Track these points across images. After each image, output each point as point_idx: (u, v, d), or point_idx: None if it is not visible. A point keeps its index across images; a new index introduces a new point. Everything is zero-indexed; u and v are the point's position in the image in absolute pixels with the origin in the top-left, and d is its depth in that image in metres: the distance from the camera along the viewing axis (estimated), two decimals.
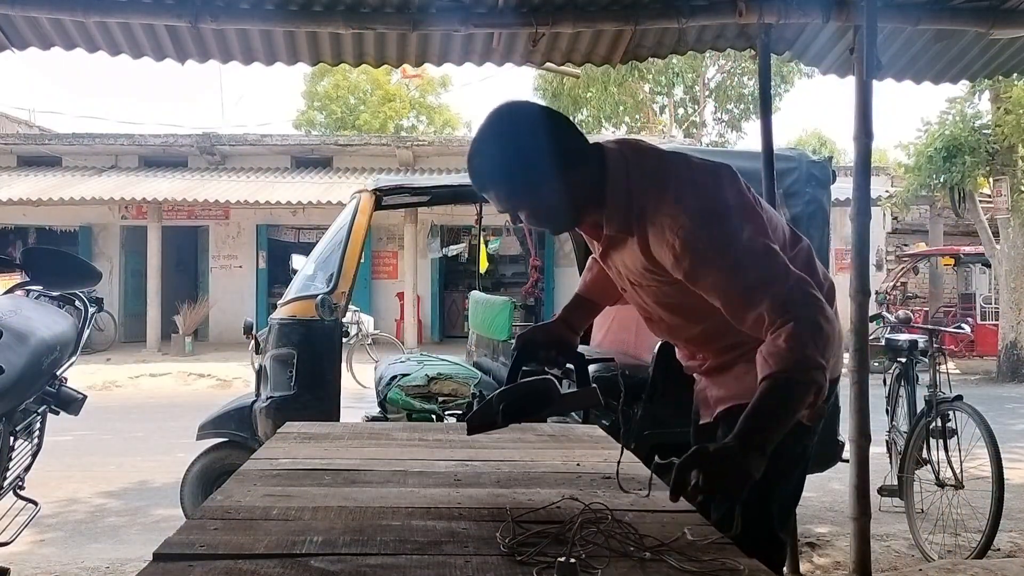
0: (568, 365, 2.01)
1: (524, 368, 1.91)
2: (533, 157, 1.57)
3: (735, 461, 1.35)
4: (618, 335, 4.48)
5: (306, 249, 8.42)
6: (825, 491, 5.07)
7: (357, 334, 9.88)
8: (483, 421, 1.71)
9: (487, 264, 9.86)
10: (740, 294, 1.51)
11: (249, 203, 13.77)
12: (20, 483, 3.04)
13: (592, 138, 1.70)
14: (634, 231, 1.62)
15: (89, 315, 3.38)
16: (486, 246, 11.73)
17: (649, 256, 1.62)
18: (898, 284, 15.74)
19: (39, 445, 3.16)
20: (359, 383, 8.86)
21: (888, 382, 4.59)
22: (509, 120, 1.63)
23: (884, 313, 6.56)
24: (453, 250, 15.71)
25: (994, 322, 12.92)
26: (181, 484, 4.22)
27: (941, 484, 3.98)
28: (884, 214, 15.09)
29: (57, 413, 3.10)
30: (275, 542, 1.29)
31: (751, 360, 1.53)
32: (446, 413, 3.79)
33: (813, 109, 54.50)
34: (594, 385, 1.84)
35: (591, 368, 2.31)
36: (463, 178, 7.32)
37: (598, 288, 1.97)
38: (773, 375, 1.43)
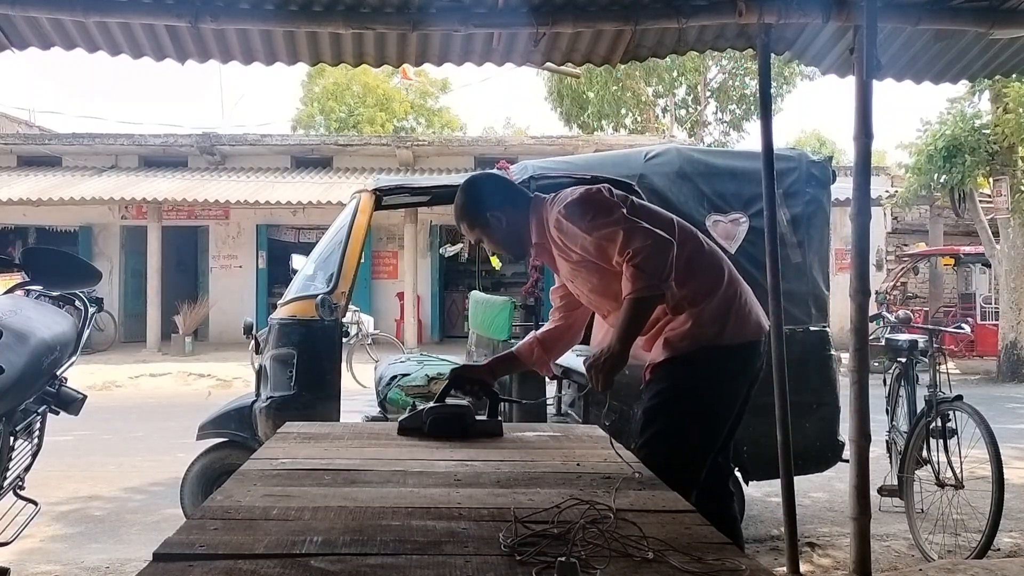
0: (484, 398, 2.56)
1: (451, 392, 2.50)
2: (476, 201, 2.48)
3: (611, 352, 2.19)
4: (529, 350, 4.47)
5: (306, 249, 8.41)
6: (825, 491, 5.08)
7: (357, 334, 9.86)
8: (412, 425, 2.26)
9: (499, 264, 9.81)
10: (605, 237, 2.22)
11: (249, 203, 13.77)
12: (20, 483, 3.04)
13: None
14: (546, 236, 2.41)
15: (89, 315, 3.38)
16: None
17: (557, 246, 2.38)
18: (898, 284, 15.72)
19: (39, 445, 3.16)
20: (359, 383, 8.85)
21: (888, 382, 4.58)
22: (467, 182, 2.59)
23: (884, 313, 6.57)
24: (452, 250, 15.70)
25: (994, 322, 12.91)
26: (181, 484, 4.22)
27: (941, 484, 3.97)
28: (884, 214, 15.09)
29: (57, 413, 3.09)
30: (275, 542, 1.29)
31: (661, 330, 2.35)
32: None
33: (813, 110, 54.52)
34: (500, 418, 2.40)
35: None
36: (463, 178, 7.32)
37: (525, 353, 2.64)
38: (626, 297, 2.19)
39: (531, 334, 2.70)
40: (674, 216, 2.48)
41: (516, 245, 2.52)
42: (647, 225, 2.20)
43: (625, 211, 2.26)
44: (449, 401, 2.42)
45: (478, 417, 2.33)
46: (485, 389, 2.50)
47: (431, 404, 2.33)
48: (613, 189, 2.39)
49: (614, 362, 2.18)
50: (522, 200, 2.50)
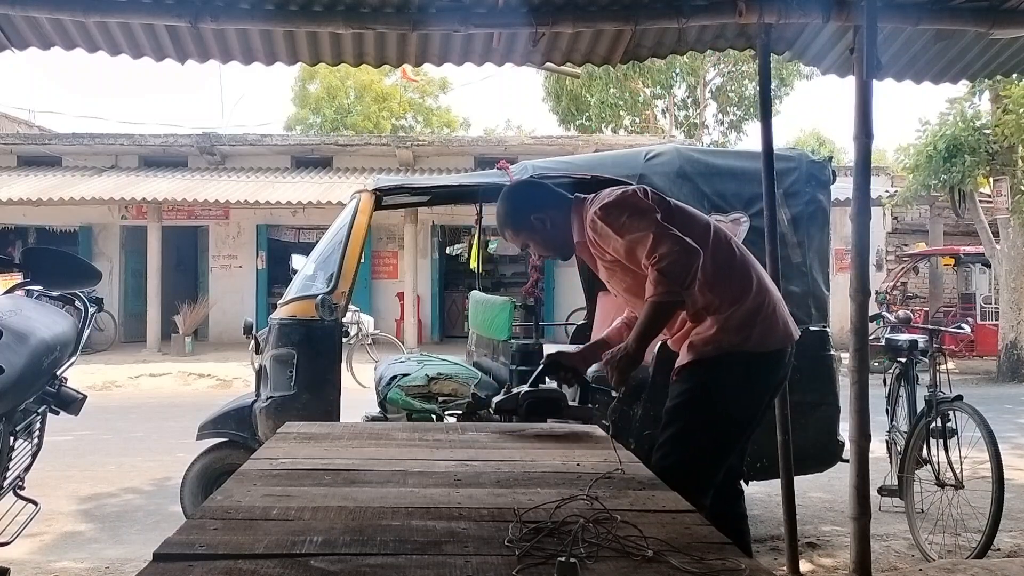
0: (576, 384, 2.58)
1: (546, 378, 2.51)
2: (517, 207, 2.53)
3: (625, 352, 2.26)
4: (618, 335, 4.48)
5: (306, 249, 8.42)
6: (825, 491, 5.08)
7: (357, 334, 9.87)
8: (508, 407, 2.36)
9: (475, 263, 9.84)
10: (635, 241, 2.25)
11: (249, 203, 13.76)
12: (20, 483, 3.04)
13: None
14: (585, 235, 2.43)
15: (89, 315, 3.38)
16: (485, 246, 11.74)
17: (593, 245, 2.42)
18: (898, 284, 15.72)
19: (39, 445, 3.16)
20: (359, 383, 8.85)
21: (888, 382, 4.58)
22: (508, 190, 2.63)
23: (884, 313, 6.56)
24: (455, 249, 15.72)
25: (994, 322, 12.90)
26: (181, 484, 4.22)
27: (941, 484, 3.97)
28: (884, 214, 15.09)
29: (57, 413, 3.09)
30: (275, 542, 1.29)
31: (689, 333, 2.39)
32: (446, 413, 3.79)
33: (812, 111, 54.53)
34: (590, 405, 2.47)
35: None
36: (463, 178, 7.35)
37: (615, 339, 2.57)
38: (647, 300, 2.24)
39: (619, 319, 2.69)
40: (712, 221, 2.50)
41: (561, 246, 2.56)
42: (677, 232, 2.22)
43: (659, 215, 2.27)
44: (542, 386, 2.44)
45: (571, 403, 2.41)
46: (577, 377, 2.52)
47: (526, 388, 2.37)
48: (651, 192, 2.41)
49: (629, 360, 2.24)
50: (563, 201, 2.53)
